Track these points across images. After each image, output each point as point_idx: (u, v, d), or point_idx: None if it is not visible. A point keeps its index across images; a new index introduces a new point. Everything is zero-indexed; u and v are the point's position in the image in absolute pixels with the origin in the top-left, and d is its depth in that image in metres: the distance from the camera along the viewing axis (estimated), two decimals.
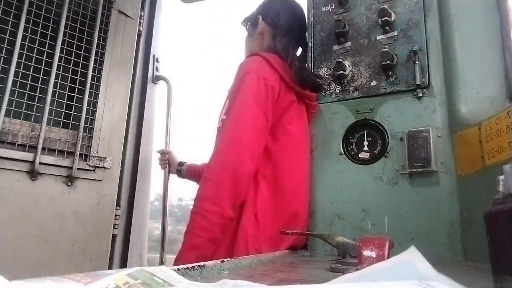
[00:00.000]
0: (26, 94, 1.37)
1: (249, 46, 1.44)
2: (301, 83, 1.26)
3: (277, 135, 1.21)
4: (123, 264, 1.65)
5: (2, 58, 1.32)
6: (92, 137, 1.54)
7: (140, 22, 1.83)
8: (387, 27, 1.24)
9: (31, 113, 1.38)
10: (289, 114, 1.23)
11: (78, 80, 1.52)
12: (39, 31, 1.42)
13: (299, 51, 1.43)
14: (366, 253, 0.65)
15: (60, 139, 1.45)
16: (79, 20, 1.56)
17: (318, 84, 1.33)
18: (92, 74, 1.55)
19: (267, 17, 1.37)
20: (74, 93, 1.50)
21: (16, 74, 1.34)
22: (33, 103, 1.39)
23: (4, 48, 1.32)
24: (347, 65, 1.29)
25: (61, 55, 1.47)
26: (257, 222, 1.13)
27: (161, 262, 1.71)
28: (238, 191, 1.08)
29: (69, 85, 1.51)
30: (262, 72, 1.17)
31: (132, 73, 1.76)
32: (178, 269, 0.55)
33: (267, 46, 1.33)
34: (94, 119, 1.55)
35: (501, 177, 0.48)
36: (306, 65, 1.40)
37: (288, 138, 1.22)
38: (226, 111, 1.19)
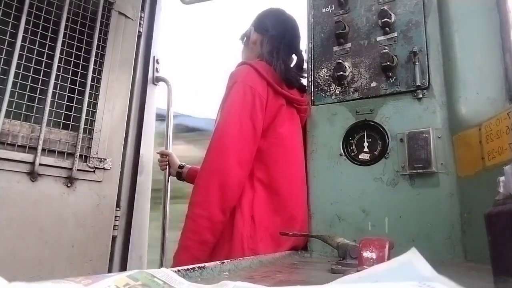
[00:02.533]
0: (26, 95, 1.37)
1: (243, 56, 1.49)
2: (288, 84, 1.30)
3: (269, 139, 1.24)
4: (123, 266, 1.64)
5: (2, 59, 1.31)
6: (92, 138, 1.54)
7: (140, 23, 1.83)
8: (387, 28, 1.25)
9: (31, 114, 1.38)
10: (279, 118, 1.26)
11: (78, 81, 1.52)
12: (39, 33, 1.42)
13: (295, 59, 1.46)
14: (366, 254, 0.65)
15: (60, 140, 1.45)
16: (79, 21, 1.56)
17: (302, 84, 1.38)
18: (92, 75, 1.55)
19: (258, 27, 1.42)
20: (74, 94, 1.50)
21: (16, 75, 1.34)
22: (33, 104, 1.38)
23: (4, 50, 1.32)
24: (347, 66, 1.29)
25: (61, 56, 1.47)
26: (253, 223, 1.16)
27: (161, 264, 1.71)
28: (226, 195, 1.13)
29: (69, 86, 1.51)
30: (249, 80, 1.21)
31: (132, 74, 1.76)
32: (178, 271, 0.55)
33: (258, 54, 1.38)
34: (94, 120, 1.55)
35: (502, 178, 0.48)
36: (306, 67, 1.43)
37: (280, 141, 1.25)
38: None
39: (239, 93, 1.20)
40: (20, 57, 1.35)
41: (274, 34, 1.37)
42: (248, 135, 1.18)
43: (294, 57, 1.45)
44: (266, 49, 1.33)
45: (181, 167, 1.74)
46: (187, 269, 0.57)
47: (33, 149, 1.36)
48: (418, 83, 1.16)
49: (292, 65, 1.42)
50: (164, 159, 1.80)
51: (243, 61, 1.34)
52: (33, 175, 1.35)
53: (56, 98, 1.45)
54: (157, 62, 1.94)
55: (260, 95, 1.21)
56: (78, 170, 1.46)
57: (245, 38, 1.48)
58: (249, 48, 1.44)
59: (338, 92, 1.32)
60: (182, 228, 1.16)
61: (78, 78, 1.53)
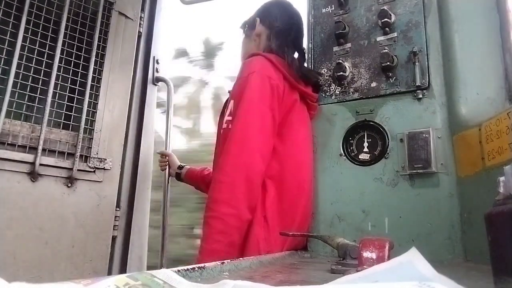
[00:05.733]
0: (27, 95, 1.37)
1: (245, 48, 1.45)
2: (304, 80, 1.27)
3: (282, 135, 1.20)
4: (123, 266, 1.64)
5: (3, 59, 1.32)
6: (92, 138, 1.54)
7: (140, 24, 1.83)
8: (387, 29, 1.25)
9: (31, 114, 1.38)
10: (293, 114, 1.23)
11: (78, 81, 1.52)
12: (39, 33, 1.42)
13: (296, 55, 1.43)
14: (366, 254, 0.65)
15: (60, 140, 1.45)
16: (79, 22, 1.56)
17: (318, 81, 1.34)
18: (92, 75, 1.55)
19: (264, 19, 1.38)
20: (75, 95, 1.51)
21: (16, 75, 1.34)
22: (34, 104, 1.39)
23: (5, 50, 1.32)
24: (347, 67, 1.29)
25: (61, 56, 1.47)
26: (266, 224, 1.12)
27: (161, 265, 1.71)
28: (252, 192, 1.08)
29: (69, 86, 1.51)
30: (266, 71, 1.17)
31: (132, 74, 1.76)
32: (178, 271, 0.55)
33: (263, 47, 1.35)
34: (94, 120, 1.55)
35: (502, 178, 0.48)
36: (306, 65, 1.41)
37: (293, 138, 1.22)
38: (231, 112, 1.17)
39: (258, 83, 1.15)
40: (21, 57, 1.35)
41: (281, 28, 1.34)
42: (269, 127, 1.14)
43: (296, 54, 1.43)
44: (276, 43, 1.30)
45: (180, 167, 1.74)
46: (187, 269, 0.57)
47: (33, 149, 1.36)
48: (418, 83, 1.16)
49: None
50: (164, 160, 1.80)
51: (255, 52, 1.29)
52: (33, 175, 1.35)
53: (57, 98, 1.45)
54: (157, 62, 1.94)
55: (278, 87, 1.17)
56: (78, 170, 1.47)
57: (246, 26, 1.45)
58: (252, 40, 1.40)
59: (338, 92, 1.32)
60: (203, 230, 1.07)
61: (79, 78, 1.53)
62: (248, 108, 1.13)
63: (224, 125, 1.19)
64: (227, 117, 1.18)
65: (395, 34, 1.24)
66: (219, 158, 1.14)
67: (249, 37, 1.43)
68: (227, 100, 1.26)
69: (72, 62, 1.52)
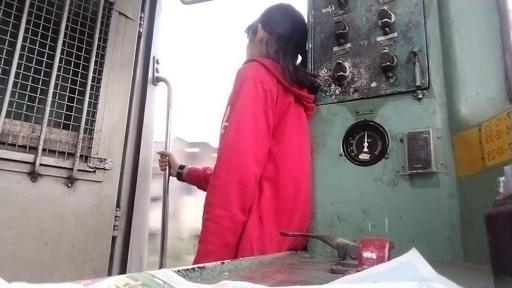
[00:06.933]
0: (27, 96, 1.37)
1: (249, 52, 1.47)
2: (298, 83, 1.28)
3: (277, 137, 1.22)
4: (123, 266, 1.64)
5: (3, 59, 1.32)
6: (92, 138, 1.54)
7: (140, 24, 1.83)
8: (387, 29, 1.25)
9: (31, 114, 1.38)
10: (288, 116, 1.24)
11: (78, 81, 1.52)
12: (39, 33, 1.42)
13: (299, 59, 1.44)
14: (366, 254, 0.65)
15: (60, 140, 1.45)
16: (79, 22, 1.56)
17: (316, 83, 1.34)
18: (92, 76, 1.55)
19: (266, 25, 1.41)
20: (75, 95, 1.51)
21: (16, 75, 1.34)
22: (34, 105, 1.39)
23: (5, 50, 1.33)
24: (347, 67, 1.29)
25: (61, 56, 1.47)
26: (261, 224, 1.14)
27: (161, 265, 1.71)
28: (245, 194, 1.11)
29: (69, 87, 1.51)
30: (259, 76, 1.20)
31: (132, 74, 1.76)
32: (179, 271, 0.55)
33: (261, 52, 1.37)
34: (95, 121, 1.55)
35: (502, 178, 0.48)
36: (307, 67, 1.41)
37: (288, 139, 1.23)
38: (227, 117, 1.21)
39: (251, 89, 1.18)
40: (21, 57, 1.35)
41: (281, 34, 1.35)
42: (263, 131, 1.17)
43: (300, 57, 1.44)
44: (273, 49, 1.32)
45: (181, 167, 1.75)
46: (187, 269, 0.58)
47: (33, 149, 1.36)
48: (418, 83, 1.16)
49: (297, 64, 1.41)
50: (164, 160, 1.80)
51: (251, 58, 1.33)
52: (33, 175, 1.35)
53: (57, 98, 1.45)
54: (157, 62, 1.94)
55: (271, 91, 1.20)
56: (78, 170, 1.47)
57: (250, 31, 1.47)
58: (255, 45, 1.42)
59: (338, 92, 1.32)
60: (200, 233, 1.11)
61: (79, 78, 1.53)
62: (241, 114, 1.17)
63: (222, 131, 1.22)
64: (224, 123, 1.23)
65: (395, 34, 1.24)
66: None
67: (252, 41, 1.45)
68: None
69: (72, 62, 1.52)
